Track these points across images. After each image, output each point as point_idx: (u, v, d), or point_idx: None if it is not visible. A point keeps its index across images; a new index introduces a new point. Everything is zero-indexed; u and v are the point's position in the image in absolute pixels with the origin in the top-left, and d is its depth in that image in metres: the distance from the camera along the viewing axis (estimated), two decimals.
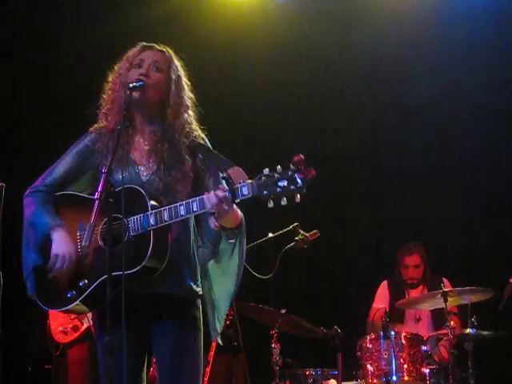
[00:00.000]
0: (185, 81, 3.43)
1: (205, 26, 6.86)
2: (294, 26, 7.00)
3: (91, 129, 3.44)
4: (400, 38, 6.83)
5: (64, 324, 5.32)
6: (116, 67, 3.43)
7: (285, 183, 2.83)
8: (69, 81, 6.74)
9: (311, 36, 6.98)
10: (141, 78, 3.26)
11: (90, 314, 4.55)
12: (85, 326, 5.27)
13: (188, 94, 3.43)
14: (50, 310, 5.13)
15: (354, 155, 7.41)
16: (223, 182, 3.05)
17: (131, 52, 3.41)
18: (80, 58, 6.68)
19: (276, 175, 2.85)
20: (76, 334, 5.29)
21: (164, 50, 3.43)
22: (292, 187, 2.83)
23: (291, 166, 2.85)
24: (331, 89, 7.16)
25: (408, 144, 7.11)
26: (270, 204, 2.85)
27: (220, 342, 3.36)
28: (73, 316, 5.21)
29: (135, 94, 3.22)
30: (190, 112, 3.41)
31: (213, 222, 3.03)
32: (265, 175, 2.86)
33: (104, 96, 3.42)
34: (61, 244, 3.19)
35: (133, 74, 3.32)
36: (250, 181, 2.90)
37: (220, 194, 2.95)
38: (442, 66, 6.96)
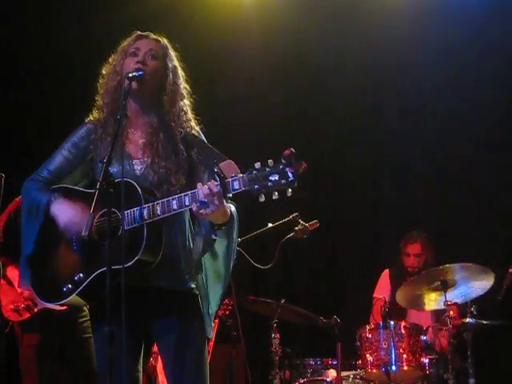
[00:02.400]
0: (180, 71, 3.43)
1: (201, 18, 6.86)
2: (293, 19, 6.99)
3: (86, 120, 3.43)
4: (400, 31, 6.83)
5: (16, 302, 5.04)
6: (110, 59, 3.42)
7: (276, 177, 2.82)
8: (67, 72, 6.73)
9: (310, 29, 6.98)
10: (138, 66, 3.25)
11: None
12: (38, 307, 5.00)
13: (183, 83, 3.42)
14: (1, 285, 5.03)
15: (354, 145, 7.40)
16: (215, 176, 3.01)
17: (126, 42, 3.40)
18: (77, 49, 6.67)
19: (267, 169, 2.84)
20: (28, 314, 5.02)
21: (159, 38, 3.41)
22: (283, 181, 2.81)
23: (282, 160, 2.83)
24: (330, 80, 7.15)
25: (407, 134, 7.12)
26: (262, 198, 2.84)
27: (211, 335, 3.37)
28: (26, 295, 4.93)
29: (134, 85, 3.20)
30: (186, 101, 3.40)
31: (195, 206, 3.00)
32: (256, 169, 2.85)
33: (99, 88, 3.41)
34: (65, 211, 3.18)
35: (129, 62, 3.30)
36: (241, 175, 2.89)
37: (213, 187, 2.94)
38: (441, 61, 6.98)
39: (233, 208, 3.20)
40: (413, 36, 6.88)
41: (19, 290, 4.94)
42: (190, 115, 3.40)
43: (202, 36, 6.69)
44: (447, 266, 5.38)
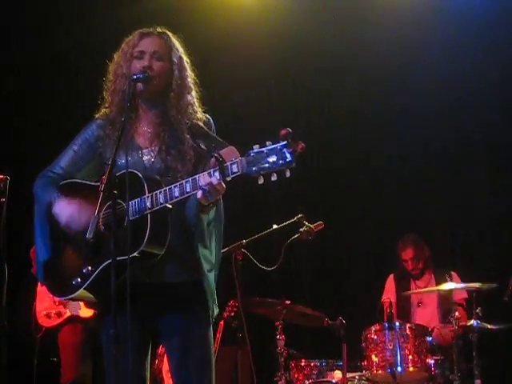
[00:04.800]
0: (186, 60, 3.41)
1: (202, 18, 6.87)
2: (295, 18, 7.00)
3: (96, 116, 3.44)
4: (400, 32, 6.84)
5: (48, 308, 5.47)
6: (115, 56, 3.42)
7: (274, 158, 2.78)
8: (71, 71, 6.75)
9: (312, 31, 6.98)
10: (144, 70, 3.25)
11: (79, 303, 4.76)
12: (68, 314, 5.43)
13: (190, 74, 3.42)
14: (37, 292, 5.49)
15: (358, 147, 7.41)
16: (214, 159, 2.96)
17: (130, 42, 3.39)
18: (81, 49, 6.69)
19: (265, 150, 2.81)
20: (59, 320, 5.45)
21: (162, 33, 3.40)
22: (281, 162, 2.77)
23: (280, 141, 2.80)
24: (333, 82, 7.14)
25: (410, 136, 7.12)
26: (261, 180, 2.81)
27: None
28: (58, 302, 5.36)
29: (139, 86, 3.21)
30: (193, 93, 3.41)
31: (200, 194, 2.98)
32: (254, 152, 2.83)
33: (106, 85, 3.42)
34: (64, 210, 3.19)
35: (135, 65, 3.31)
36: (239, 158, 2.87)
37: (212, 173, 2.93)
38: (440, 61, 6.99)
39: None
40: (414, 37, 6.88)
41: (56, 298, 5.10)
42: (197, 107, 3.40)
43: (203, 37, 6.68)
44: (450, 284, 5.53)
